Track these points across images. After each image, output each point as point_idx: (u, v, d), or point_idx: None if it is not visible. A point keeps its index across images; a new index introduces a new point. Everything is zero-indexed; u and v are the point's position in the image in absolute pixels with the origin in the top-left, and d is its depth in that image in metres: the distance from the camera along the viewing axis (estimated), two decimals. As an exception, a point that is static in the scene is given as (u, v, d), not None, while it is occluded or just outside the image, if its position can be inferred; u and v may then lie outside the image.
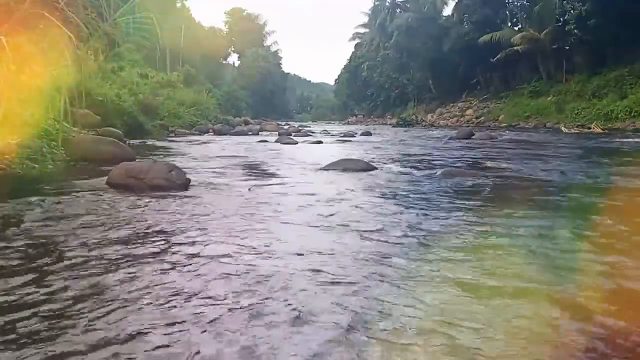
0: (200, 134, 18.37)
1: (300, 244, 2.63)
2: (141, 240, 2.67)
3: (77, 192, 4.19)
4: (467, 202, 4.01)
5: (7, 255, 2.33)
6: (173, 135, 16.68)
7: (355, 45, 67.25)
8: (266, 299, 1.84)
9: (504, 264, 2.30)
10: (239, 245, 2.61)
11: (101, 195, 4.03)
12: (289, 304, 1.79)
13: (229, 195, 4.38)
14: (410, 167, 7.05)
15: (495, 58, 33.55)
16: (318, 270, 2.19)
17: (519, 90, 33.60)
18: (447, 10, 44.42)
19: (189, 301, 1.81)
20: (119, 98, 13.47)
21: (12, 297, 1.82)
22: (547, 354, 1.48)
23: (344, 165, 6.36)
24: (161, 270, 2.17)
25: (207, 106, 29.11)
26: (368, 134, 19.83)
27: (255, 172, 6.35)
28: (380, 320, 1.67)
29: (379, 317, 1.70)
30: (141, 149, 9.31)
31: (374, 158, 8.20)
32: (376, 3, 61.27)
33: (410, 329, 1.61)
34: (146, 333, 1.55)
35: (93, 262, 2.25)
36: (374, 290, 1.95)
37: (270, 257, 2.39)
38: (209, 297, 1.85)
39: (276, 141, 13.36)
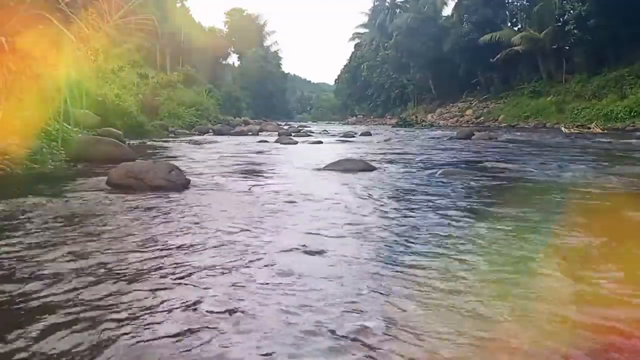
0: (200, 134, 18.37)
1: (299, 245, 2.63)
2: (141, 241, 2.67)
3: (77, 192, 4.20)
4: (466, 202, 4.02)
5: (6, 256, 2.33)
6: (173, 135, 16.68)
7: (355, 45, 67.34)
8: (263, 299, 1.85)
9: (502, 263, 2.30)
10: (239, 245, 2.61)
11: (101, 196, 4.03)
12: (281, 302, 1.80)
13: (228, 195, 4.39)
14: (410, 167, 7.05)
15: (495, 58, 33.58)
16: (317, 270, 2.19)
17: (519, 91, 33.64)
18: (447, 10, 44.50)
19: (188, 302, 1.82)
20: (119, 98, 13.49)
21: (11, 298, 1.82)
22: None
23: (344, 166, 6.36)
24: (160, 270, 2.18)
25: (207, 106, 29.18)
26: (368, 134, 19.82)
27: (254, 173, 6.36)
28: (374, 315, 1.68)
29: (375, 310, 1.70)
30: (141, 149, 9.31)
31: (373, 158, 8.20)
32: (376, 3, 61.39)
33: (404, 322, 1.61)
34: (146, 332, 1.55)
35: (93, 263, 2.26)
36: (370, 287, 1.96)
37: (270, 258, 2.40)
38: (207, 297, 1.86)
39: (276, 141, 13.35)
